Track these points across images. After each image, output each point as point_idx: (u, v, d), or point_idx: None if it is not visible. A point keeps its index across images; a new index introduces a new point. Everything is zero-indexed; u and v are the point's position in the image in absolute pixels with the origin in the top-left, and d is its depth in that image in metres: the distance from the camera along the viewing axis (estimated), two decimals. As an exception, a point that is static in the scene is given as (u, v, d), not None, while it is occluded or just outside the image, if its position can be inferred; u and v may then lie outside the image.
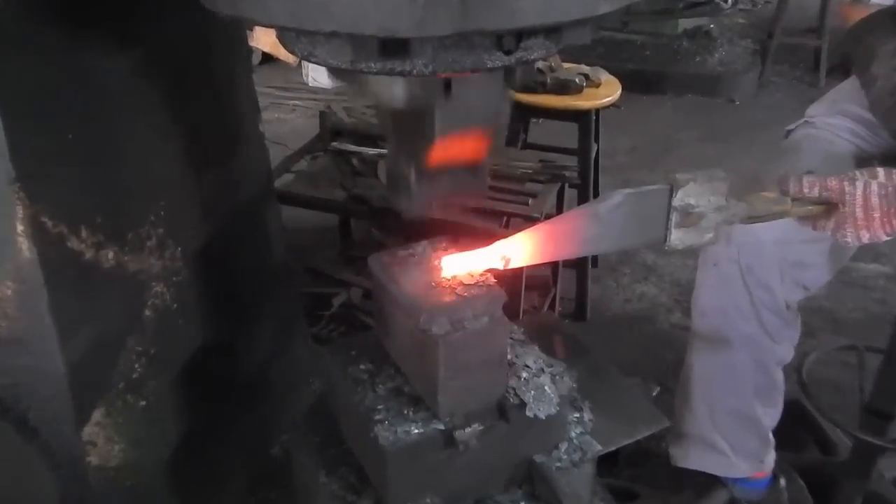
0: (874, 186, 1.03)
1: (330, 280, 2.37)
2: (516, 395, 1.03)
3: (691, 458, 1.66)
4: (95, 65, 1.01)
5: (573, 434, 1.09)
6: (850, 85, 1.54)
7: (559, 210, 2.37)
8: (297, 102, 4.42)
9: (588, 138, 2.48)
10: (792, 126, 1.60)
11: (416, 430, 0.98)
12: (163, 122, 1.16)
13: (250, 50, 4.27)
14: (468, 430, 0.98)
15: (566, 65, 2.51)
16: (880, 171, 1.05)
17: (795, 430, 1.89)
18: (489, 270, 0.98)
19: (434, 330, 0.94)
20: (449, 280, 0.98)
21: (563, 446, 1.07)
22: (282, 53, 4.43)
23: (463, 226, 1.88)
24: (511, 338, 1.11)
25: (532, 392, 1.04)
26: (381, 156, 2.19)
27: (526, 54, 0.76)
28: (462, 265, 0.98)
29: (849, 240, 1.06)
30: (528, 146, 2.66)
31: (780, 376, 1.61)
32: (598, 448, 1.08)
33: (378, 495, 1.03)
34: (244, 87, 1.40)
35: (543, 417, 1.02)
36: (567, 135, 2.60)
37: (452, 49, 0.73)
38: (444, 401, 0.97)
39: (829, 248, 1.45)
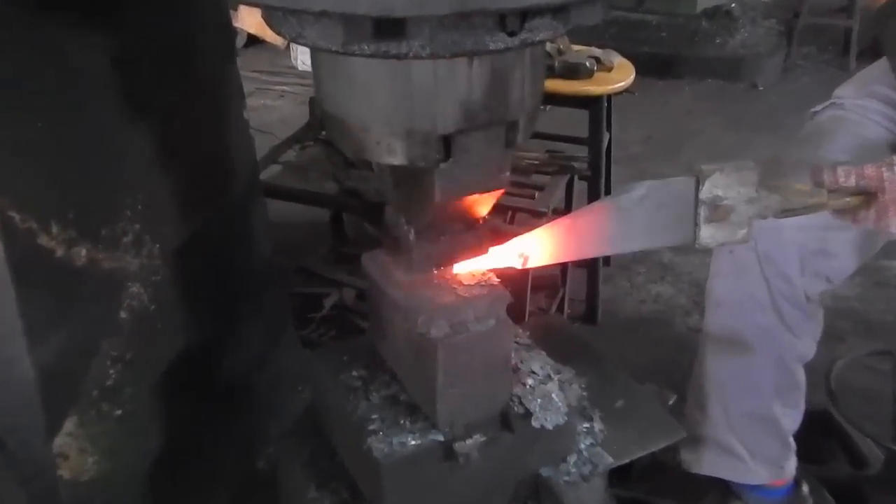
0: None
1: (321, 280, 2.37)
2: (521, 403, 1.03)
3: (705, 463, 1.66)
4: (67, 47, 1.01)
5: (583, 446, 1.09)
6: (881, 66, 1.54)
7: (567, 204, 2.37)
8: (285, 88, 4.42)
9: (599, 126, 2.48)
10: (818, 108, 1.59)
11: (413, 442, 0.98)
12: (139, 110, 1.15)
13: (234, 31, 4.28)
14: (469, 441, 0.99)
15: (575, 47, 2.51)
16: None
17: (823, 441, 1.89)
18: (502, 270, 0.99)
19: (432, 333, 0.94)
20: (449, 279, 0.98)
21: (572, 459, 1.08)
22: (268, 35, 4.43)
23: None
24: (516, 342, 1.11)
25: (538, 400, 1.04)
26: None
27: (531, 35, 0.76)
28: (477, 265, 0.99)
29: (893, 230, 1.06)
30: (534, 135, 2.66)
31: (801, 374, 1.61)
32: (609, 461, 1.08)
33: (372, 511, 1.03)
34: (227, 72, 1.40)
35: (551, 428, 1.03)
36: (576, 123, 2.60)
37: (452, 30, 0.73)
38: (443, 410, 0.97)
39: (854, 237, 1.45)
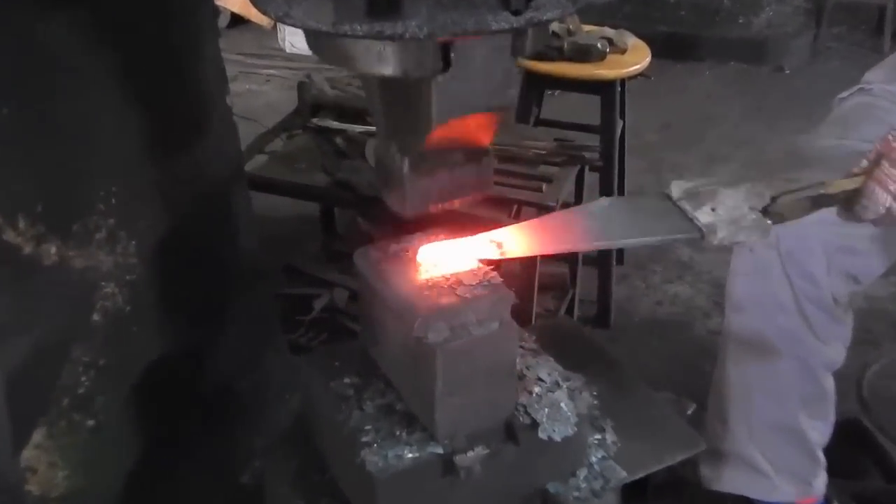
0: None
1: (310, 280, 2.37)
2: (527, 413, 1.03)
3: (726, 479, 1.66)
4: (34, 25, 1.01)
5: (594, 459, 1.09)
6: None
7: (577, 197, 2.37)
8: (271, 72, 4.41)
9: (612, 113, 2.48)
10: (845, 94, 1.59)
11: (410, 455, 0.98)
12: (114, 95, 1.15)
13: (217, 10, 4.28)
14: (471, 454, 0.99)
15: (586, 27, 2.51)
16: None
17: (855, 453, 1.90)
18: (482, 262, 0.99)
19: (430, 337, 0.94)
20: (448, 278, 0.98)
21: (582, 473, 1.08)
22: (253, 14, 4.43)
23: (464, 216, 1.88)
24: (521, 346, 1.11)
25: (546, 410, 1.04)
26: (369, 134, 2.18)
27: (538, 14, 0.76)
28: (446, 255, 0.99)
29: (871, 211, 1.08)
30: (541, 122, 2.66)
31: (829, 383, 1.61)
32: (622, 475, 1.09)
33: (366, 530, 1.03)
34: (209, 54, 1.40)
35: (559, 439, 1.03)
36: (587, 109, 2.60)
37: (451, 8, 0.73)
38: (442, 420, 0.97)
39: (880, 233, 1.45)
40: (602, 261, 2.54)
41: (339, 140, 2.24)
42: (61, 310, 1.11)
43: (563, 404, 1.05)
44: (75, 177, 1.11)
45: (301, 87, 2.43)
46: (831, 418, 1.64)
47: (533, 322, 1.97)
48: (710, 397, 1.69)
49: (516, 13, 0.75)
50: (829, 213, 1.12)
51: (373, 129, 2.06)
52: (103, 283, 1.17)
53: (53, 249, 1.07)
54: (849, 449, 1.78)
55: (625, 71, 2.44)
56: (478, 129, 0.93)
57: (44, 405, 1.10)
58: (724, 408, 1.62)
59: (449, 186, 0.96)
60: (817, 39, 4.84)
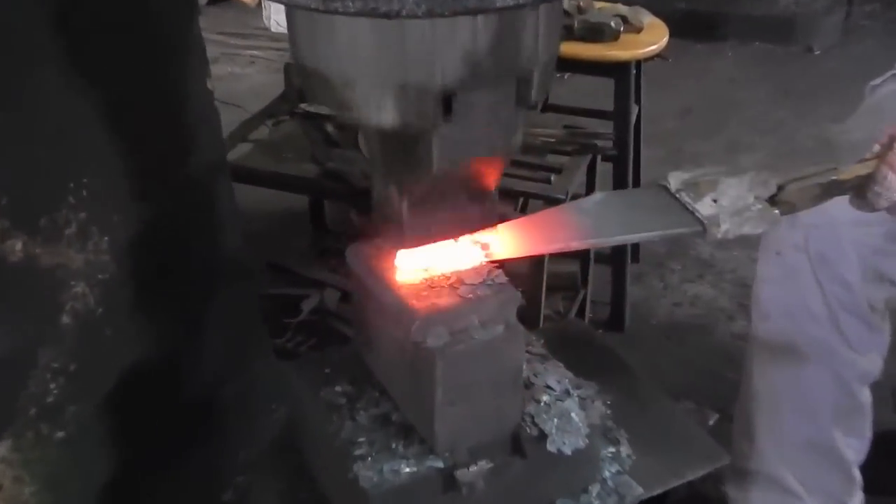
0: None
1: (298, 279, 2.37)
2: (535, 424, 1.04)
3: (753, 500, 1.66)
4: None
5: (607, 474, 1.09)
6: None
7: (589, 189, 2.37)
8: (255, 53, 4.41)
9: (627, 98, 2.48)
10: (878, 80, 1.59)
11: (408, 469, 0.98)
12: (83, 79, 1.15)
13: (196, -14, 4.27)
14: (473, 468, 0.99)
15: (598, 4, 2.51)
16: None
17: (890, 469, 1.90)
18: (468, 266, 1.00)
19: (429, 341, 0.94)
20: (449, 277, 0.98)
21: (595, 489, 1.08)
22: (236, -10, 4.43)
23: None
24: (528, 351, 1.11)
25: (555, 420, 1.04)
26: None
27: (545, -10, 0.76)
28: (426, 262, 1.00)
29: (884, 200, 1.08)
30: (550, 108, 2.66)
31: (865, 396, 1.61)
32: (639, 491, 1.09)
33: (359, 551, 1.03)
34: (188, 33, 1.40)
35: (569, 453, 1.03)
36: (600, 93, 2.60)
37: (453, -15, 0.73)
38: (442, 431, 0.98)
39: None
40: (616, 259, 2.54)
41: (329, 127, 2.24)
42: (27, 312, 1.11)
43: (573, 414, 1.05)
44: (43, 167, 1.11)
45: (288, 70, 2.43)
46: (868, 434, 1.64)
47: (541, 325, 1.97)
48: (735, 412, 1.69)
49: (522, -12, 0.75)
50: (864, 214, 1.12)
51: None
52: (73, 283, 1.17)
53: (19, 246, 1.07)
54: (887, 464, 1.77)
55: (640, 52, 2.43)
56: (481, 173, 0.95)
57: (9, 415, 1.10)
58: (750, 423, 1.62)
59: (450, 224, 0.98)
60: (849, 17, 4.84)
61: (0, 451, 1.07)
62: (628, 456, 1.12)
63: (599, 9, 2.48)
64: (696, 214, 1.02)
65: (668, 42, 2.49)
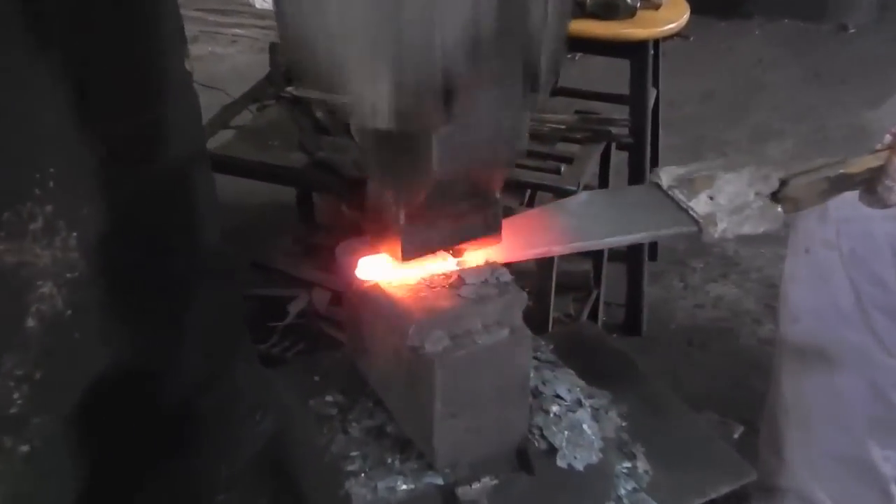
0: None
1: (284, 278, 2.37)
2: (543, 436, 1.04)
3: None
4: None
5: (623, 491, 1.09)
6: None
7: (602, 180, 2.37)
8: (238, 31, 4.41)
9: (644, 80, 2.48)
10: None
11: (404, 487, 0.98)
12: (48, 58, 1.15)
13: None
14: (476, 485, 0.99)
15: (613, -22, 2.51)
16: None
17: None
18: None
19: (428, 346, 0.94)
20: (449, 277, 0.98)
21: (609, 508, 1.08)
22: (217, -37, 4.43)
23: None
24: (536, 357, 1.11)
25: (565, 433, 1.04)
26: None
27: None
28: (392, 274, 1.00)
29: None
30: (560, 92, 2.66)
31: None
32: (657, 510, 1.09)
33: (351, 576, 1.04)
34: (164, 10, 1.40)
35: (581, 468, 1.03)
36: (615, 76, 2.60)
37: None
38: (442, 445, 0.98)
39: None
40: (632, 256, 2.55)
41: (319, 113, 2.24)
42: (-11, 314, 1.11)
43: (585, 426, 1.05)
44: (4, 156, 1.11)
45: (274, 49, 2.43)
46: None
47: (550, 329, 1.97)
48: (762, 422, 1.69)
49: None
50: None
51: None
52: (39, 283, 1.17)
53: (-21, 243, 1.07)
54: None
55: (658, 30, 2.43)
56: (484, 179, 0.95)
57: (-32, 428, 1.10)
58: (778, 436, 1.63)
59: (451, 234, 0.98)
60: (887, -7, 4.84)
61: (-41, 467, 1.07)
62: (645, 472, 1.12)
63: (614, -17, 2.48)
64: (691, 213, 1.02)
65: (689, 19, 2.49)
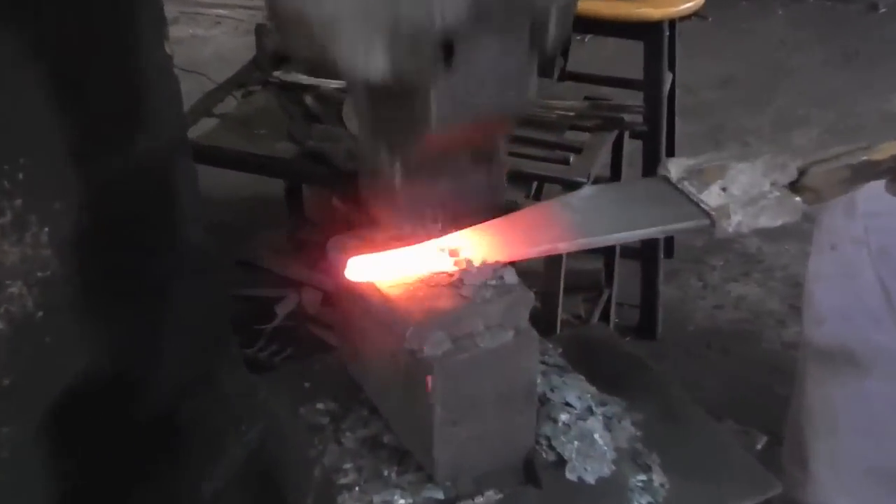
0: None
1: (272, 278, 2.37)
2: (551, 447, 1.04)
3: None
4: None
5: (637, 506, 1.10)
6: None
7: (614, 171, 2.37)
8: (221, 12, 4.42)
9: (659, 64, 2.48)
10: None
11: (402, 501, 0.98)
12: (18, 42, 1.15)
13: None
14: (479, 499, 0.99)
15: (626, -47, 2.51)
16: None
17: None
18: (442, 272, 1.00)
19: (427, 350, 0.94)
20: (450, 275, 0.98)
21: (622, 524, 1.08)
22: (199, -62, 4.43)
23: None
24: (543, 362, 1.11)
25: (575, 443, 1.04)
26: (346, 91, 2.18)
27: None
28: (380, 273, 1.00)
29: None
30: (568, 76, 2.66)
31: None
32: (673, 526, 1.09)
33: None
34: (142, -12, 1.40)
35: (592, 481, 1.03)
36: (627, 59, 2.60)
37: None
38: (442, 456, 0.98)
39: None
40: (646, 253, 2.55)
41: (308, 99, 2.24)
42: (-46, 316, 1.11)
43: (597, 436, 1.05)
44: (-29, 146, 1.11)
45: (260, 31, 2.43)
46: None
47: (558, 331, 1.97)
48: (786, 431, 1.69)
49: None
50: None
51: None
52: (8, 282, 1.17)
53: (-56, 239, 1.07)
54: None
55: (675, 9, 2.43)
56: (486, 132, 0.94)
57: (-67, 438, 1.10)
58: (804, 446, 1.63)
59: (450, 195, 0.98)
60: (922, -32, 4.84)
61: (-78, 481, 1.08)
62: (661, 485, 1.12)
63: (627, -41, 2.48)
64: (702, 206, 1.02)
65: (707, -2, 2.49)
